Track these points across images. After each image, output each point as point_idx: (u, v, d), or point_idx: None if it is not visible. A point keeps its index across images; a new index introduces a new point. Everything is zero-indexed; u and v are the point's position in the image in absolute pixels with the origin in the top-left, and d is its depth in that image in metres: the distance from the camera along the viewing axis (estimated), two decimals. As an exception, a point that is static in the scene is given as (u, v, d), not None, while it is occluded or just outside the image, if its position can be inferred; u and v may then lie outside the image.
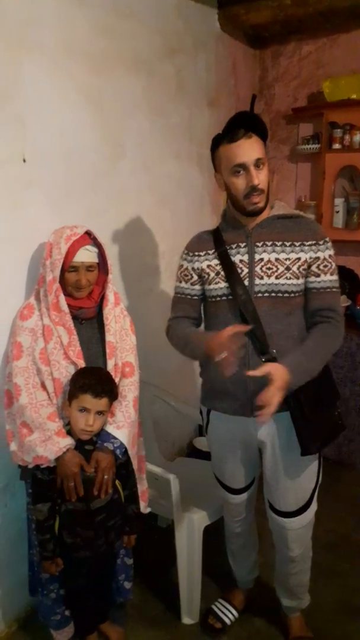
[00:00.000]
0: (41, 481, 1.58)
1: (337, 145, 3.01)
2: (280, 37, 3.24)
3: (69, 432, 1.59)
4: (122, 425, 1.66)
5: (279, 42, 3.30)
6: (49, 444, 1.54)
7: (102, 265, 1.69)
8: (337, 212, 3.10)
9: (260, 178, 1.49)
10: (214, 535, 2.00)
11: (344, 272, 3.26)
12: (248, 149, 1.47)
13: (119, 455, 1.63)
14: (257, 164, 1.48)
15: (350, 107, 2.93)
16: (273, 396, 1.39)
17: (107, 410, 1.60)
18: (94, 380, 1.56)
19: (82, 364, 1.63)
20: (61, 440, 1.55)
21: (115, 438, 1.63)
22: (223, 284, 1.59)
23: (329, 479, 2.01)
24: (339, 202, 3.10)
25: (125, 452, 1.66)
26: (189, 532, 1.92)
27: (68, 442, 1.56)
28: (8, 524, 1.87)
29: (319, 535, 1.90)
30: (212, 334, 1.47)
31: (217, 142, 1.53)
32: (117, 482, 1.67)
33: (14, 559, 1.90)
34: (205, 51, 2.80)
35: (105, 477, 1.59)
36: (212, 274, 1.62)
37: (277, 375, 1.40)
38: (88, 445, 1.60)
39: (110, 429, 1.65)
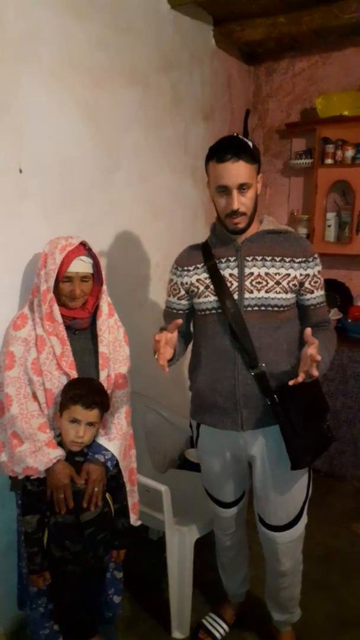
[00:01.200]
0: (31, 492, 1.57)
1: (329, 160, 3.06)
2: (274, 53, 3.30)
3: (60, 443, 1.58)
4: (114, 437, 1.66)
5: (273, 59, 3.36)
6: (39, 454, 1.53)
7: (96, 276, 1.69)
8: (329, 226, 3.14)
9: (242, 201, 1.51)
10: (205, 548, 1.99)
11: (335, 286, 3.30)
12: (233, 173, 1.47)
13: (110, 467, 1.62)
14: (241, 187, 1.49)
15: (343, 123, 2.98)
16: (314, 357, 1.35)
17: (97, 422, 1.60)
18: (85, 391, 1.55)
19: (74, 374, 1.63)
20: (51, 451, 1.54)
21: (106, 450, 1.62)
22: (212, 298, 1.60)
23: (321, 491, 2.02)
24: (331, 216, 3.14)
25: (117, 464, 1.65)
26: (180, 545, 1.91)
27: (58, 453, 1.55)
28: (-2, 536, 1.85)
29: (311, 549, 1.90)
30: (163, 333, 1.47)
31: (209, 157, 1.55)
32: (107, 495, 1.66)
33: (3, 571, 1.88)
34: (200, 66, 2.84)
35: (96, 489, 1.58)
36: (202, 288, 1.62)
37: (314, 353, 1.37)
38: (79, 456, 1.59)
39: (101, 440, 1.64)
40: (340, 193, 3.17)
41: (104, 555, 1.68)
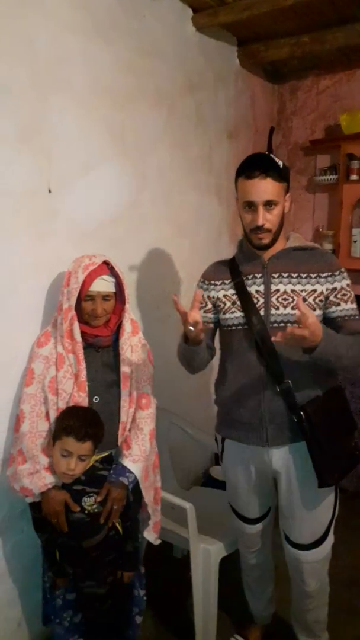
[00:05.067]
0: (34, 517, 1.61)
1: (354, 177, 3.05)
2: (298, 72, 3.33)
3: None
4: (138, 460, 1.66)
5: (297, 77, 3.39)
6: (35, 477, 1.54)
7: (119, 294, 1.69)
8: (355, 241, 3.12)
9: (267, 218, 1.52)
10: (230, 569, 1.97)
11: (362, 302, 3.25)
12: (261, 190, 1.50)
13: (130, 490, 1.62)
14: (268, 204, 1.51)
15: (368, 139, 2.97)
16: (305, 321, 1.32)
17: (90, 455, 1.55)
18: (78, 423, 1.51)
19: (83, 397, 1.61)
20: (47, 476, 1.55)
21: (130, 472, 1.63)
22: (239, 314, 1.61)
23: (348, 512, 1.97)
24: (356, 232, 3.11)
25: (136, 486, 1.65)
26: (205, 564, 1.89)
27: (53, 480, 1.55)
28: (24, 550, 1.86)
29: (338, 571, 1.85)
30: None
31: (238, 174, 1.57)
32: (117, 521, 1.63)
33: (28, 587, 1.89)
34: (224, 86, 2.88)
35: (115, 507, 1.58)
36: (228, 304, 1.64)
37: (314, 320, 1.35)
38: (77, 485, 1.57)
39: (126, 462, 1.64)
40: (366, 209, 3.15)
41: (116, 576, 1.66)
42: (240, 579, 1.97)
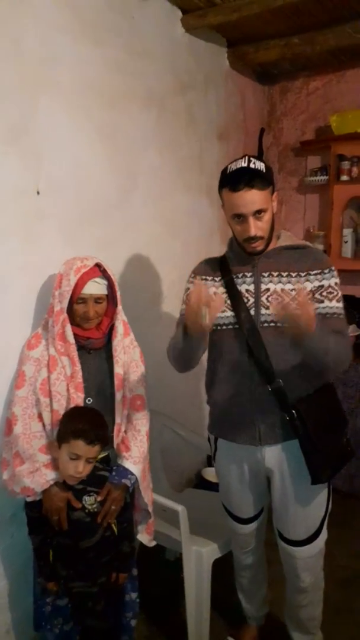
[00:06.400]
0: (30, 517, 1.58)
1: (344, 177, 3.06)
2: (288, 73, 3.35)
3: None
4: (139, 461, 1.67)
5: (287, 79, 3.40)
6: (36, 475, 1.53)
7: (111, 296, 1.69)
8: (346, 242, 3.13)
9: (258, 226, 1.51)
10: (223, 570, 1.96)
11: (353, 302, 3.26)
12: (248, 201, 1.48)
13: (129, 491, 1.63)
14: (257, 213, 1.50)
15: (357, 140, 2.99)
16: (299, 306, 1.33)
17: (97, 457, 1.56)
18: (87, 426, 1.50)
19: (80, 397, 1.61)
20: (48, 473, 1.54)
21: (132, 474, 1.63)
22: (229, 313, 1.60)
23: (342, 511, 1.98)
24: (347, 232, 3.13)
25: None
26: (198, 566, 1.88)
27: (54, 475, 1.54)
28: (15, 555, 1.84)
29: (333, 571, 1.85)
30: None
31: (222, 184, 1.54)
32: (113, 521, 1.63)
33: (20, 592, 1.87)
34: (215, 87, 2.89)
35: (113, 507, 1.58)
36: (222, 298, 1.62)
37: (308, 303, 1.35)
38: (78, 484, 1.56)
39: (127, 464, 1.64)
40: (356, 209, 3.16)
41: (110, 577, 1.65)
42: (234, 581, 1.96)
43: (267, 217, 1.53)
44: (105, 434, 1.56)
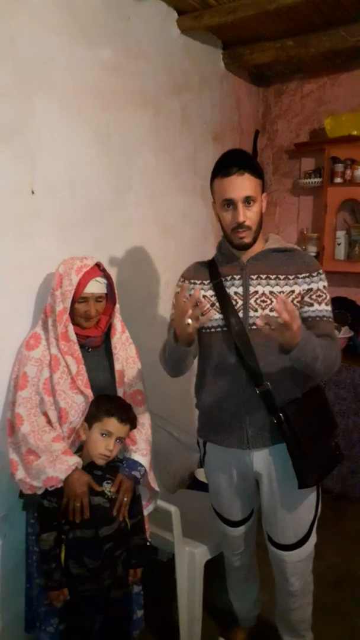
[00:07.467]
0: (47, 510, 1.56)
1: (338, 179, 3.07)
2: (283, 76, 3.36)
3: (79, 456, 1.59)
4: (146, 453, 1.71)
5: (282, 81, 3.41)
6: (57, 463, 1.53)
7: (110, 295, 1.72)
8: (339, 244, 3.14)
9: (247, 215, 1.52)
10: (215, 572, 1.96)
11: (346, 304, 3.28)
12: (239, 186, 1.50)
13: (139, 482, 1.66)
14: (247, 201, 1.51)
15: (351, 143, 3.00)
16: (282, 314, 1.29)
17: (125, 438, 1.62)
18: (119, 406, 1.58)
19: (89, 393, 1.63)
20: (69, 459, 1.54)
21: (141, 466, 1.67)
22: (218, 316, 1.60)
23: (333, 513, 1.98)
24: (340, 234, 3.14)
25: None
26: (190, 567, 1.89)
27: (76, 459, 1.55)
28: (6, 556, 1.83)
29: (323, 572, 1.86)
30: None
31: (214, 175, 1.57)
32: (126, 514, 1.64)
33: (11, 593, 1.86)
34: (210, 89, 2.89)
35: (125, 499, 1.60)
36: (207, 305, 1.62)
37: (295, 314, 1.31)
38: (97, 470, 1.58)
39: (136, 456, 1.67)
40: (350, 211, 3.18)
41: (124, 575, 1.65)
42: (225, 582, 1.96)
43: (256, 208, 1.54)
44: (135, 417, 1.63)
